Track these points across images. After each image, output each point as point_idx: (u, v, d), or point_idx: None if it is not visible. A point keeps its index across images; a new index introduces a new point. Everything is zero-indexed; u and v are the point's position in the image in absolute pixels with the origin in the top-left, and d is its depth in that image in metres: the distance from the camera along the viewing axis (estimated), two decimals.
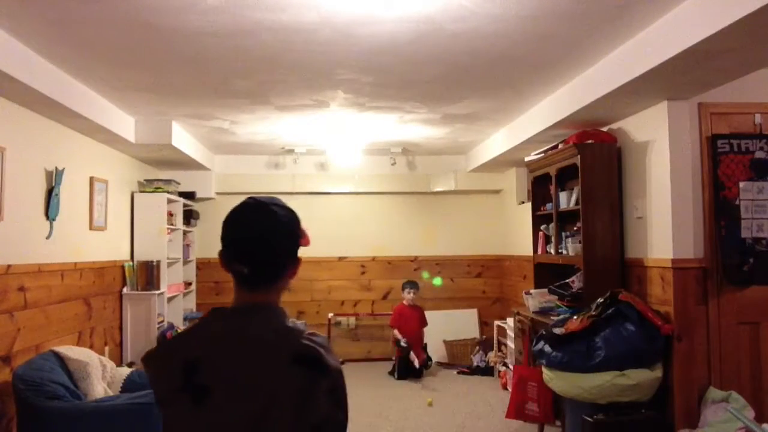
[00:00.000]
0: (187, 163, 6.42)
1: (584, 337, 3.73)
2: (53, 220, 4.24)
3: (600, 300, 3.87)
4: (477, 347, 6.95)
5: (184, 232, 6.76)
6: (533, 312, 4.84)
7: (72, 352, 3.97)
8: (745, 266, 3.73)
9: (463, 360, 6.95)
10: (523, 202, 6.65)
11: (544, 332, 4.00)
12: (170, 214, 6.22)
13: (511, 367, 5.52)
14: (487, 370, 6.53)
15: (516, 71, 3.92)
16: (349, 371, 1.38)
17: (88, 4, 2.81)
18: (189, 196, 6.86)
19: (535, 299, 4.88)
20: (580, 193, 4.33)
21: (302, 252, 1.38)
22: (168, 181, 6.30)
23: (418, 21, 3.05)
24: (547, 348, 3.84)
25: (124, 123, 4.96)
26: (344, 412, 1.29)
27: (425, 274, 7.56)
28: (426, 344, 6.74)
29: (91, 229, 4.95)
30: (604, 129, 4.54)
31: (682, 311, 3.73)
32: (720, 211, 3.76)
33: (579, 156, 4.30)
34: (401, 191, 7.49)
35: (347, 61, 3.68)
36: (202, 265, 7.23)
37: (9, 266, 3.71)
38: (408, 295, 6.75)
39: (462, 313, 7.51)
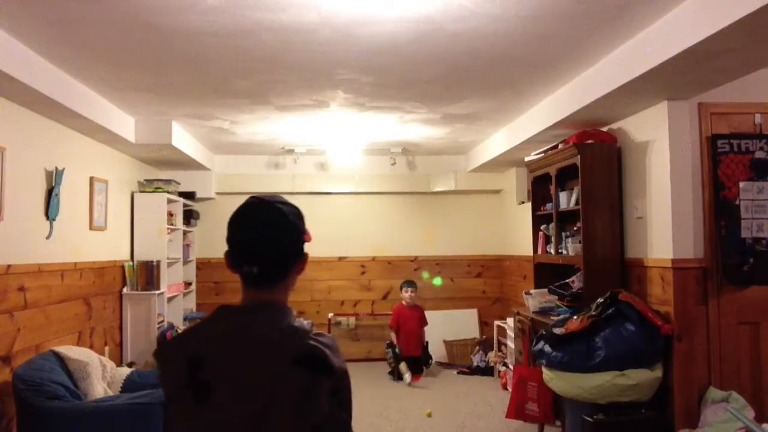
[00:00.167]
0: (187, 163, 6.42)
1: (584, 337, 3.73)
2: (53, 220, 4.24)
3: (600, 300, 3.87)
4: (477, 347, 6.95)
5: (184, 232, 6.76)
6: (533, 312, 4.84)
7: (72, 352, 3.97)
8: (745, 266, 3.73)
9: (463, 360, 6.95)
10: (523, 202, 6.65)
11: (544, 332, 4.00)
12: (170, 214, 6.22)
13: (511, 367, 5.52)
14: (487, 370, 6.53)
15: (516, 71, 3.92)
16: (349, 371, 1.38)
17: (88, 4, 2.81)
18: (189, 196, 6.86)
19: (535, 299, 4.88)
20: (580, 193, 4.33)
21: None
22: (168, 181, 6.30)
23: (418, 21, 3.05)
24: (547, 348, 3.84)
25: (124, 123, 4.96)
26: (348, 413, 1.28)
27: (425, 274, 7.56)
28: (427, 342, 6.73)
29: (91, 229, 4.95)
30: (604, 129, 4.54)
31: (682, 311, 3.73)
32: (720, 211, 3.76)
33: (579, 156, 4.30)
34: (401, 191, 7.49)
35: (347, 61, 3.68)
36: (202, 265, 7.23)
37: (9, 266, 3.71)
38: (406, 294, 6.74)
39: (462, 313, 7.51)
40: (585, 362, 3.62)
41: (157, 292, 5.74)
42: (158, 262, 5.84)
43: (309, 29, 3.14)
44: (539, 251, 5.28)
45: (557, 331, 3.86)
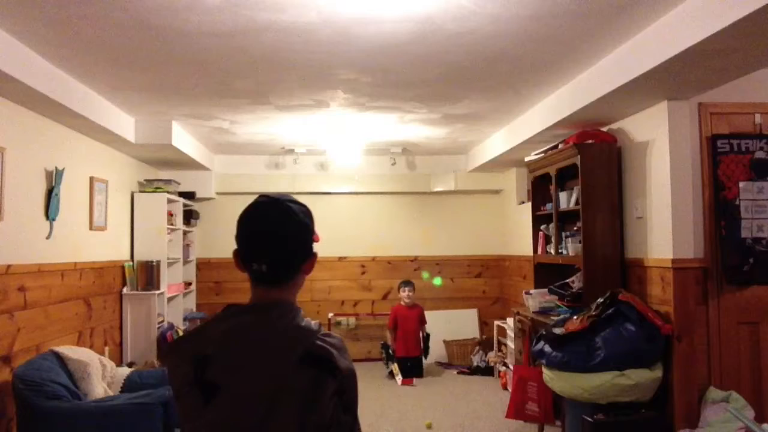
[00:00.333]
0: (187, 163, 6.42)
1: (584, 337, 3.73)
2: (53, 220, 4.24)
3: (600, 300, 3.87)
4: (477, 347, 6.95)
5: (184, 232, 6.76)
6: (533, 312, 4.84)
7: (72, 352, 3.97)
8: (745, 266, 3.73)
9: (463, 360, 6.95)
10: (523, 202, 6.65)
11: (544, 332, 4.00)
12: (170, 214, 6.22)
13: (511, 367, 5.52)
14: (487, 370, 6.53)
15: (516, 71, 3.92)
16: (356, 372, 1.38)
17: (88, 4, 2.81)
18: (189, 196, 6.86)
19: (535, 299, 4.89)
20: (580, 193, 4.33)
21: None
22: (168, 181, 6.30)
23: (418, 21, 3.05)
24: (547, 348, 3.84)
25: (124, 123, 4.97)
26: (353, 414, 1.28)
27: (425, 274, 7.56)
28: (428, 335, 6.68)
29: (91, 229, 4.95)
30: (604, 129, 4.54)
31: (682, 311, 3.73)
32: (720, 211, 3.76)
33: (579, 156, 4.30)
34: (401, 191, 7.49)
35: (347, 61, 3.68)
36: (202, 265, 7.23)
37: (9, 266, 3.71)
38: (404, 294, 6.73)
39: (462, 313, 7.51)
40: (585, 362, 3.62)
41: (157, 292, 5.74)
42: (158, 262, 5.84)
43: (309, 29, 3.14)
44: (539, 251, 5.28)
45: (557, 331, 3.86)
